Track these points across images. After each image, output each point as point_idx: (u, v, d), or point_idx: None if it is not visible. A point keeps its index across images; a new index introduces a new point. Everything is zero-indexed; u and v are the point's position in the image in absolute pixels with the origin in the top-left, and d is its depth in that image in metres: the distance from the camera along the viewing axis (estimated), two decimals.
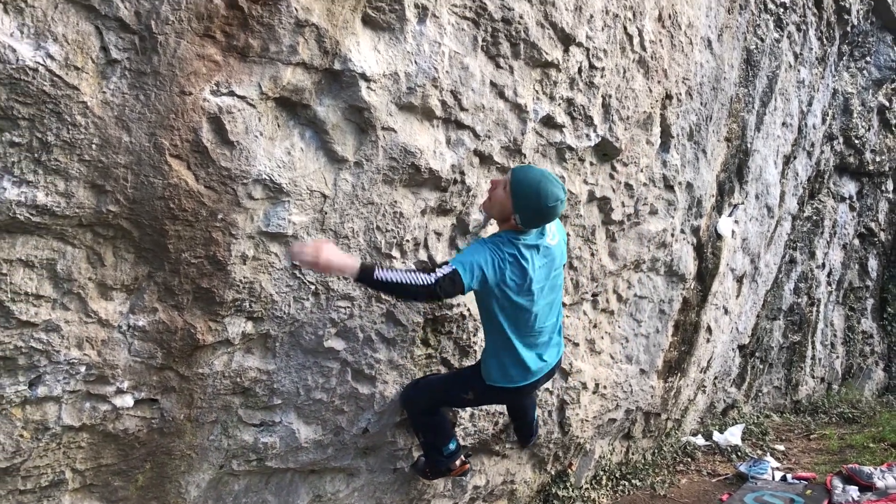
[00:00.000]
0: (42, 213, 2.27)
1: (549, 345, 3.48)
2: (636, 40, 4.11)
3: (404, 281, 2.86)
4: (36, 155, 2.20)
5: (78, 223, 2.38)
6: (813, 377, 9.85)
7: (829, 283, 9.63)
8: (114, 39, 2.22)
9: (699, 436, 7.48)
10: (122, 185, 2.38)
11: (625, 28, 3.99)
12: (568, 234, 4.28)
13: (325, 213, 2.96)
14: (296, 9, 2.53)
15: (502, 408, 4.41)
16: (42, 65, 2.11)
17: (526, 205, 3.05)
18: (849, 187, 9.30)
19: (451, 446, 3.79)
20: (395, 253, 3.29)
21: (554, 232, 3.35)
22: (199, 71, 2.39)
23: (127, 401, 2.76)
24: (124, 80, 2.27)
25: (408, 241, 3.32)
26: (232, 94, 2.50)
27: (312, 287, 3.07)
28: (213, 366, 2.94)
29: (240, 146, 2.58)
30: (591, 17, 3.71)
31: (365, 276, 2.82)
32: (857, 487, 5.84)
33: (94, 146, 2.27)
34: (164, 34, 2.27)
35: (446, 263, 3.00)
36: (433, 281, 2.89)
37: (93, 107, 2.23)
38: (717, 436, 7.43)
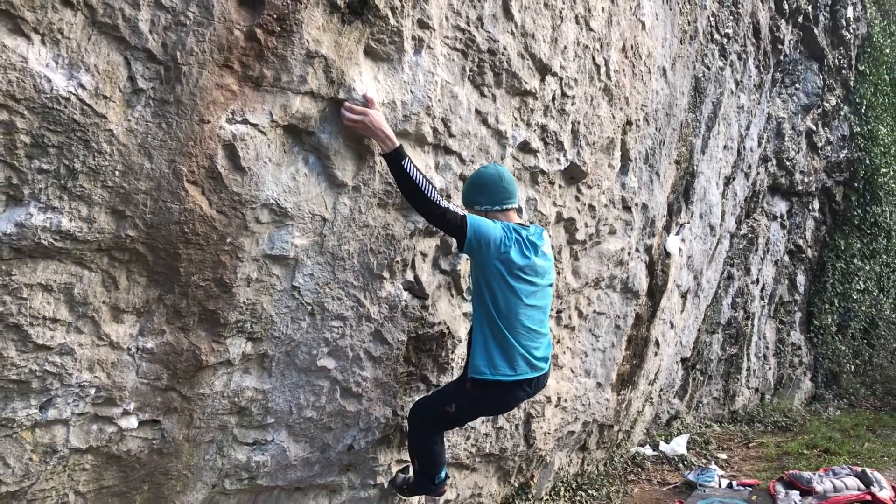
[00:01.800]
0: (64, 239, 2.31)
1: (538, 349, 3.51)
2: (603, 70, 4.33)
3: (423, 187, 3.00)
4: (62, 181, 2.24)
5: (97, 248, 2.42)
6: (748, 388, 10.28)
7: (762, 298, 10.09)
8: (141, 69, 2.29)
9: (647, 446, 7.75)
10: (141, 211, 2.43)
11: (593, 58, 4.20)
12: None
13: (325, 236, 3.06)
14: (307, 41, 2.63)
15: (474, 421, 4.53)
16: (74, 94, 2.16)
17: (468, 193, 3.42)
18: (780, 206, 9.79)
19: (442, 475, 3.82)
20: (386, 274, 3.40)
21: (549, 251, 3.54)
22: (217, 100, 2.47)
23: (132, 422, 2.79)
24: (148, 108, 2.34)
25: (397, 262, 3.43)
26: (246, 121, 2.59)
27: (309, 308, 3.15)
28: (213, 386, 2.99)
29: (250, 172, 2.66)
30: (565, 47, 3.91)
31: (397, 157, 2.95)
32: (798, 492, 6.16)
33: (117, 173, 2.33)
34: (188, 64, 2.35)
35: (461, 209, 3.18)
36: (444, 206, 3.05)
37: (118, 134, 2.29)
38: (663, 446, 7.71)
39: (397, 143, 2.94)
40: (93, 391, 2.62)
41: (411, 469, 3.88)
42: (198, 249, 2.64)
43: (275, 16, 2.50)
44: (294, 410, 3.36)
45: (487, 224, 3.22)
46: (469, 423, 4.50)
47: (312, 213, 2.96)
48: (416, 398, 3.92)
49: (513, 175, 3.60)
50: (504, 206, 3.40)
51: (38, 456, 2.57)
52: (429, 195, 3.00)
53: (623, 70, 4.55)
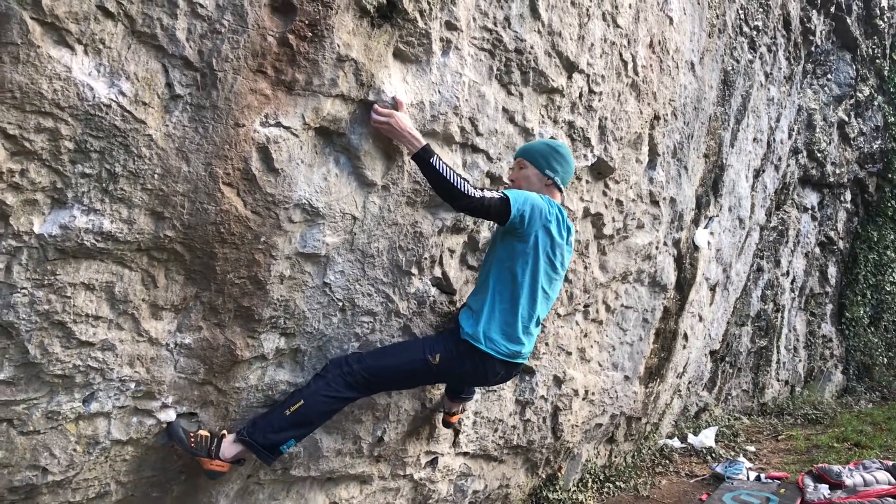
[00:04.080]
0: (106, 239, 2.41)
1: (531, 339, 3.44)
2: (630, 66, 4.35)
3: (454, 181, 2.96)
4: (104, 185, 2.33)
5: (137, 248, 2.52)
6: (778, 380, 10.24)
7: (792, 290, 10.02)
8: (178, 76, 2.37)
9: (675, 438, 7.77)
10: (178, 212, 2.52)
11: (620, 55, 4.22)
12: None
13: (355, 234, 3.13)
14: (338, 45, 2.70)
15: (501, 413, 4.60)
16: (115, 101, 2.25)
17: (545, 156, 3.37)
18: (811, 198, 9.71)
19: (291, 445, 3.11)
20: (414, 270, 3.47)
21: (573, 244, 3.55)
22: (251, 104, 2.55)
23: (170, 415, 2.89)
24: (185, 113, 2.42)
25: (426, 258, 3.49)
26: (279, 124, 2.66)
27: (340, 304, 3.23)
28: (248, 380, 3.08)
29: (283, 173, 2.74)
30: (592, 45, 3.94)
31: (424, 156, 2.95)
32: (827, 486, 6.14)
33: (156, 176, 2.42)
34: (223, 71, 2.43)
35: (497, 190, 3.14)
36: (476, 195, 2.99)
37: (157, 139, 2.38)
38: (691, 438, 7.73)
39: (424, 143, 2.97)
40: (133, 385, 2.72)
41: (246, 430, 3.05)
42: (233, 248, 2.72)
43: (306, 21, 2.57)
44: None
45: (531, 196, 3.17)
46: (496, 414, 4.57)
47: (343, 212, 3.03)
48: (441, 388, 3.98)
49: None
50: (565, 185, 3.46)
51: (81, 447, 2.68)
52: (462, 189, 2.97)
53: (650, 65, 4.57)
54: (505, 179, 3.71)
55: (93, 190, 2.33)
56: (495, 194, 3.06)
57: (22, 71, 2.07)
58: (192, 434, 2.91)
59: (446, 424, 4.06)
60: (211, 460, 2.92)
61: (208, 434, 2.96)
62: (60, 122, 2.18)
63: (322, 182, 2.91)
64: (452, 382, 3.81)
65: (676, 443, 7.64)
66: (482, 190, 3.04)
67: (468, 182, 3.01)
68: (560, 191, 3.48)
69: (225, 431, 3.01)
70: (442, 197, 3.06)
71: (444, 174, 2.96)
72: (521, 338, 3.34)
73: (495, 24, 3.35)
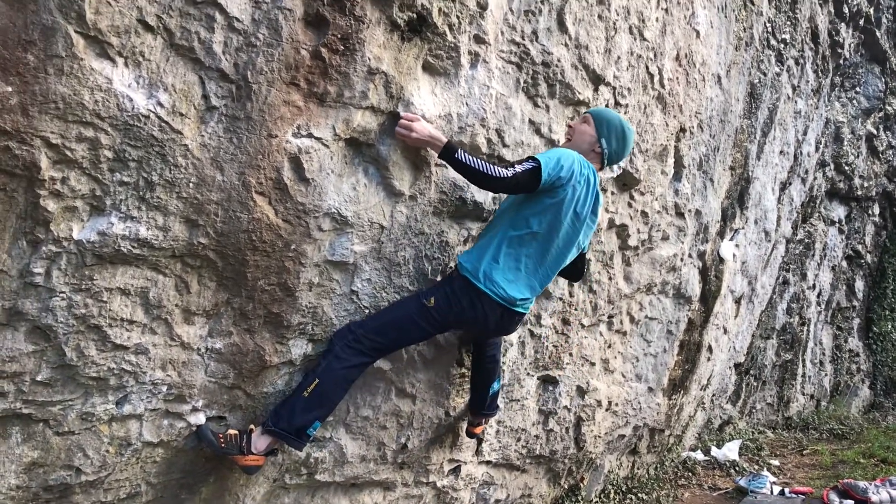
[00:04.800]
0: (142, 246, 2.48)
1: (533, 287, 3.38)
2: (656, 78, 4.38)
3: (482, 168, 2.97)
4: (141, 193, 2.41)
5: (171, 254, 2.58)
6: (803, 394, 10.15)
7: (818, 304, 9.95)
8: (214, 88, 2.44)
9: (698, 451, 7.73)
10: (212, 220, 2.59)
11: (647, 67, 4.25)
12: (589, 260, 4.52)
13: (382, 243, 3.18)
14: (369, 58, 2.76)
15: (524, 422, 4.63)
16: (153, 112, 2.32)
17: (610, 128, 3.35)
18: (838, 211, 9.64)
19: (317, 427, 3.12)
20: (440, 279, 3.51)
21: (598, 214, 3.48)
22: (284, 115, 2.61)
23: (200, 418, 2.95)
24: (220, 124, 2.49)
25: (451, 268, 3.54)
26: (310, 135, 2.73)
27: (367, 311, 3.28)
28: (276, 385, 3.14)
29: (314, 183, 2.80)
30: (619, 58, 3.98)
31: (448, 153, 2.98)
32: (852, 502, 6.10)
33: (191, 184, 2.49)
34: (257, 83, 2.50)
35: (530, 160, 3.09)
36: (509, 175, 2.98)
37: (193, 149, 2.45)
38: (715, 451, 7.69)
39: (445, 139, 2.99)
40: (165, 388, 2.79)
41: (255, 429, 3.08)
42: (264, 256, 2.79)
43: (339, 35, 2.63)
44: (351, 409, 3.49)
45: (564, 155, 3.14)
46: (518, 423, 4.59)
47: (371, 221, 3.09)
48: (465, 398, 4.02)
49: None
50: (610, 164, 3.46)
51: (114, 448, 2.75)
52: (492, 173, 2.97)
53: (677, 78, 4.59)
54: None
55: (130, 198, 2.40)
56: (527, 166, 3.05)
57: (65, 82, 2.14)
58: (220, 435, 2.96)
59: (470, 435, 4.11)
60: (244, 456, 2.97)
61: (236, 432, 3.01)
62: (101, 132, 2.26)
63: (351, 191, 2.96)
64: (452, 328, 3.52)
65: (700, 455, 7.60)
66: (513, 166, 3.02)
67: (496, 165, 3.00)
68: (602, 165, 3.44)
69: (252, 426, 3.06)
70: (475, 184, 3.09)
71: (472, 164, 2.98)
72: (522, 287, 3.30)
73: (523, 38, 3.40)
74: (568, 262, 3.48)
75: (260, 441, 3.02)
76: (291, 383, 3.20)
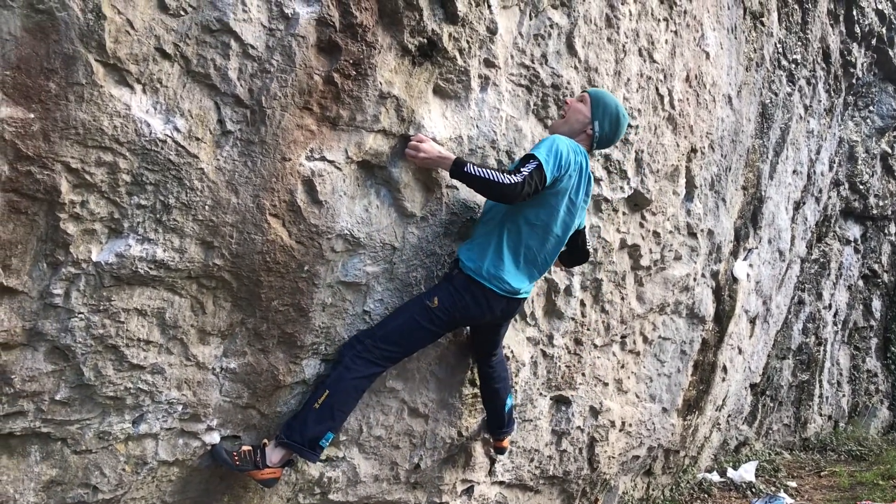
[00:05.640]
0: (159, 267, 2.53)
1: (534, 274, 3.44)
2: (666, 99, 4.41)
3: (491, 178, 2.95)
4: (158, 215, 2.46)
5: (187, 275, 2.63)
6: (821, 415, 10.06)
7: (835, 324, 9.88)
8: (229, 113, 2.50)
9: (714, 472, 7.68)
10: (227, 242, 2.64)
11: (657, 89, 4.29)
12: (601, 280, 4.55)
13: (394, 264, 3.22)
14: (380, 83, 2.82)
15: (537, 442, 4.63)
16: (170, 136, 2.38)
17: (606, 113, 3.33)
18: (853, 231, 9.60)
19: (329, 438, 3.15)
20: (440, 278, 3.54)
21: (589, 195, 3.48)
22: (297, 139, 2.67)
23: (214, 437, 2.99)
24: (235, 148, 2.55)
25: (449, 263, 3.57)
26: (323, 158, 2.78)
27: None
28: (289, 404, 3.18)
29: (327, 205, 2.85)
30: (628, 80, 4.02)
31: (457, 169, 2.99)
32: None
33: (207, 207, 2.54)
34: (271, 108, 2.55)
35: (530, 159, 3.04)
36: (519, 180, 2.95)
37: (208, 173, 2.50)
38: (731, 472, 7.63)
39: (453, 156, 3.01)
40: (180, 408, 2.83)
41: (268, 443, 3.12)
42: (278, 277, 2.83)
43: (351, 61, 2.69)
44: (364, 429, 3.52)
45: (556, 145, 3.10)
46: (532, 444, 4.60)
47: (383, 243, 3.13)
48: (478, 418, 4.04)
49: None
50: (598, 147, 3.45)
51: (130, 467, 2.79)
52: (501, 180, 2.94)
53: (687, 99, 4.63)
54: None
55: (147, 220, 2.45)
56: (530, 166, 3.01)
57: (85, 109, 2.21)
58: (234, 453, 2.99)
59: (499, 451, 4.17)
60: (260, 470, 3.00)
61: (250, 448, 3.05)
62: (119, 157, 2.32)
63: (363, 213, 3.01)
64: (459, 325, 3.49)
65: (716, 477, 7.55)
66: (518, 172, 2.99)
67: (504, 172, 2.99)
68: (591, 148, 3.43)
69: (265, 441, 3.10)
70: (491, 198, 3.08)
71: (481, 175, 2.96)
72: (523, 277, 3.35)
73: (532, 61, 3.46)
74: (566, 241, 3.48)
75: (274, 454, 3.06)
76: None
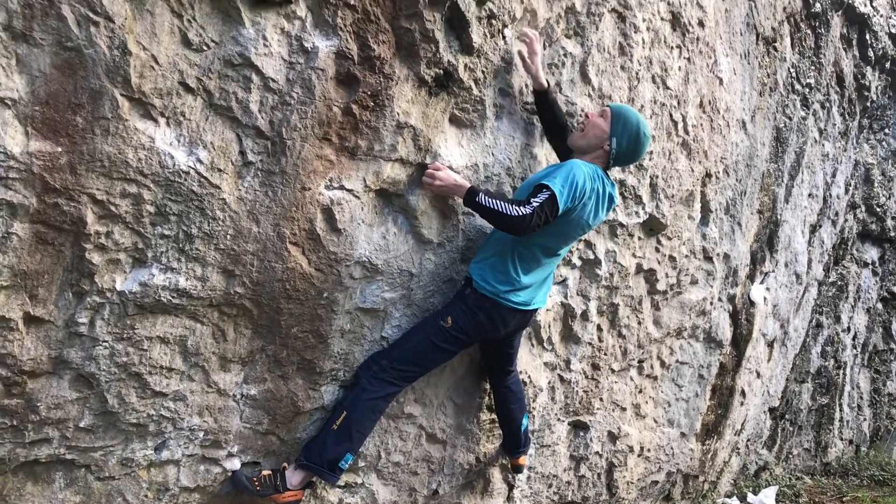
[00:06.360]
0: (181, 296, 2.58)
1: (543, 286, 3.48)
2: (680, 125, 4.44)
3: (500, 209, 2.94)
4: (181, 245, 2.51)
5: (209, 303, 2.68)
6: (842, 439, 9.95)
7: (854, 347, 9.80)
8: (251, 145, 2.56)
9: (734, 497, 7.61)
10: (248, 270, 2.69)
11: (670, 115, 4.33)
12: (617, 305, 4.56)
13: (412, 290, 3.26)
14: (398, 113, 2.87)
15: (556, 468, 4.62)
16: (193, 168, 2.44)
17: (625, 130, 3.26)
18: (871, 253, 9.55)
19: (349, 460, 3.17)
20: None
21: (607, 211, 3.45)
22: (317, 169, 2.72)
23: (235, 464, 3.02)
24: (256, 178, 2.60)
25: (461, 282, 3.59)
26: (342, 187, 2.83)
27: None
28: (308, 430, 3.20)
29: (346, 233, 2.90)
30: (642, 106, 4.06)
31: (469, 198, 3.01)
32: None
33: (228, 236, 2.59)
34: (292, 139, 2.61)
35: (543, 188, 3.01)
36: (528, 212, 2.92)
37: (230, 203, 2.56)
38: (751, 497, 7.55)
39: (468, 184, 3.05)
40: (202, 434, 2.86)
41: (290, 465, 3.16)
42: (298, 304, 2.87)
43: (369, 92, 2.75)
44: (382, 455, 3.54)
45: (573, 175, 3.06)
46: (550, 469, 4.59)
47: (401, 269, 3.17)
48: (496, 443, 4.05)
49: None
50: (615, 165, 3.41)
51: (152, 493, 2.82)
52: (510, 212, 2.94)
53: (701, 125, 4.66)
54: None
55: (170, 250, 2.51)
56: (541, 196, 2.98)
57: (111, 142, 2.27)
58: (255, 478, 3.02)
59: (517, 469, 4.13)
60: (281, 494, 3.04)
61: (269, 472, 3.08)
62: (143, 188, 2.37)
63: (381, 240, 3.06)
64: (474, 342, 3.47)
65: (735, 502, 7.47)
66: (528, 203, 2.97)
67: (514, 204, 2.97)
68: (607, 165, 3.38)
69: (285, 464, 3.12)
70: (499, 228, 3.07)
71: (492, 206, 2.97)
72: (534, 290, 3.39)
73: None
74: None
75: (294, 476, 3.09)
76: None
